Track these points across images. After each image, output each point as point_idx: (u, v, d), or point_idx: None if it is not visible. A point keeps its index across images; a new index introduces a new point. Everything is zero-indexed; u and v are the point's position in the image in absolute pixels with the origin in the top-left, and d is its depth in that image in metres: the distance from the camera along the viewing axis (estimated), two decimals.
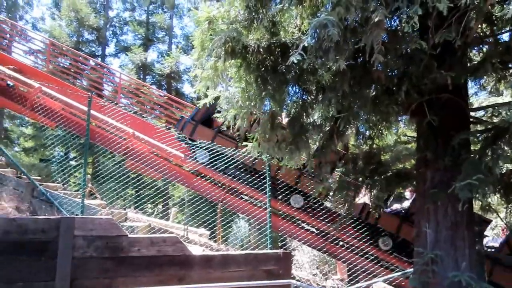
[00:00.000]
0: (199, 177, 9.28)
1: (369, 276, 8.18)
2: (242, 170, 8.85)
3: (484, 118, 5.90)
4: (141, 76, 24.00)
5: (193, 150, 9.03)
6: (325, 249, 9.19)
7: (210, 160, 8.85)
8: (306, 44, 3.45)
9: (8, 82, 10.01)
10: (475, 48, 5.16)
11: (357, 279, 8.59)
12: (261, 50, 4.46)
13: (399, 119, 6.27)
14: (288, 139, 5.32)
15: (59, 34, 22.35)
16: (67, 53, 13.98)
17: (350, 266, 8.94)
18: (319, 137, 5.58)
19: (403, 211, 8.98)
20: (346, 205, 6.64)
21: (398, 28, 4.27)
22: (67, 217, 3.20)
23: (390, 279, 7.60)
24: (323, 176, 5.91)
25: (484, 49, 5.07)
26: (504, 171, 4.65)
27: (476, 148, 4.56)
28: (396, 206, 9.21)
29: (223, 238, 12.94)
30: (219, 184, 9.15)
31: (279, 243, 12.10)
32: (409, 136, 8.09)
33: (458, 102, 4.54)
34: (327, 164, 5.84)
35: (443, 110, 4.53)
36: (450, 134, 4.45)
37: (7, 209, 6.92)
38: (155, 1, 27.40)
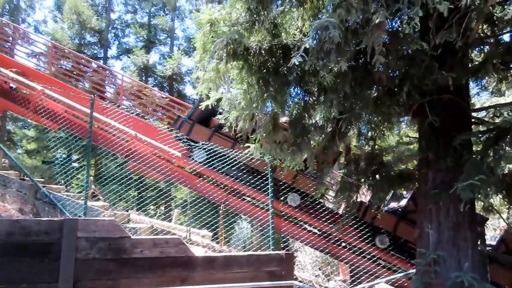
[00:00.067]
0: (201, 178, 9.29)
1: (372, 277, 8.17)
2: (240, 169, 8.85)
3: (486, 119, 5.89)
4: (143, 78, 24.07)
5: (190, 150, 9.07)
6: (327, 250, 9.20)
7: (207, 160, 8.88)
8: (308, 46, 3.46)
9: (11, 85, 10.05)
10: (476, 48, 5.16)
11: (359, 280, 8.57)
12: (262, 52, 4.48)
13: (401, 120, 6.27)
14: (290, 140, 5.34)
15: (61, 36, 22.45)
16: (69, 55, 14.03)
17: (353, 267, 8.94)
18: (321, 138, 5.59)
19: (400, 209, 8.99)
20: (348, 206, 6.64)
21: (399, 29, 4.28)
22: (70, 219, 3.21)
23: (393, 280, 7.59)
24: (324, 176, 5.92)
25: (485, 50, 5.08)
26: (506, 171, 4.64)
27: (478, 149, 4.55)
28: (393, 204, 9.21)
29: (226, 240, 12.94)
30: (219, 184, 9.17)
31: (281, 244, 12.11)
32: (411, 137, 8.09)
33: (459, 103, 4.54)
34: (328, 165, 5.86)
35: (445, 110, 4.54)
36: (452, 134, 4.46)
37: (10, 211, 6.94)
38: (157, 3, 27.48)
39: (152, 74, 24.80)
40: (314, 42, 3.48)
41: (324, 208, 9.13)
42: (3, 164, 10.16)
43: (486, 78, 5.19)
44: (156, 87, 23.30)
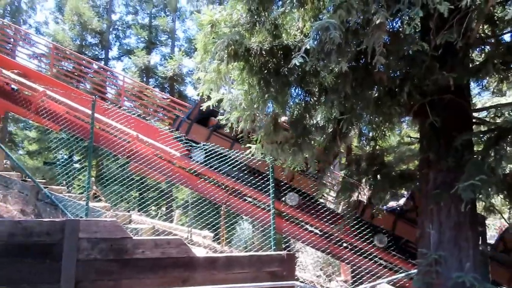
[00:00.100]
0: (202, 179, 9.31)
1: (373, 278, 8.17)
2: (241, 169, 8.86)
3: (487, 119, 5.89)
4: (144, 79, 24.12)
5: (191, 150, 9.09)
6: (328, 250, 9.20)
7: (206, 160, 8.90)
8: (308, 47, 3.47)
9: (13, 86, 10.08)
10: (477, 49, 5.16)
11: (361, 280, 8.57)
12: (263, 52, 4.49)
13: (402, 120, 6.27)
14: (291, 141, 5.34)
15: (63, 38, 22.51)
16: (70, 56, 14.06)
17: (354, 267, 8.95)
18: (322, 138, 5.60)
19: (398, 208, 9.00)
20: (347, 205, 6.64)
21: (400, 29, 4.28)
22: (72, 220, 3.22)
23: (394, 280, 7.59)
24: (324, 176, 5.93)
25: (486, 50, 5.07)
26: (508, 171, 4.63)
27: (480, 149, 4.55)
28: (391, 203, 9.23)
29: (227, 240, 12.95)
30: (218, 184, 9.18)
31: (282, 244, 12.10)
32: (412, 137, 8.08)
33: (460, 103, 4.54)
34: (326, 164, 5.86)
35: (446, 111, 4.53)
36: (453, 135, 4.45)
37: (12, 212, 6.96)
38: (158, 5, 27.52)
39: (153, 75, 24.86)
40: (315, 43, 3.48)
41: (325, 208, 9.14)
42: (5, 165, 10.19)
43: (487, 78, 5.19)
44: (157, 88, 23.34)
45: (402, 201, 9.06)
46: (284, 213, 9.04)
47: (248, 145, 5.70)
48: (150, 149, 9.40)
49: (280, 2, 4.39)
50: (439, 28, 3.70)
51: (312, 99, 5.15)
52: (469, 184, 3.69)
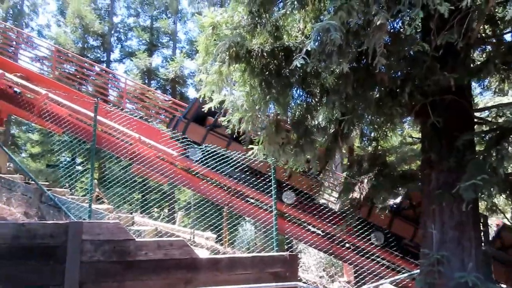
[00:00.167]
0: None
1: (376, 278, 8.16)
2: (240, 170, 8.86)
3: (489, 119, 5.89)
4: (146, 81, 24.17)
5: (185, 148, 9.12)
6: (331, 251, 9.21)
7: (203, 159, 8.93)
8: (309, 48, 3.48)
9: (16, 89, 10.12)
10: (478, 49, 5.16)
11: (363, 281, 8.57)
12: (264, 54, 4.50)
13: (404, 120, 6.27)
14: (292, 142, 5.36)
15: (65, 40, 22.60)
16: (72, 59, 14.11)
17: (357, 268, 8.95)
18: (323, 139, 5.61)
19: (394, 206, 9.00)
20: (352, 206, 6.64)
21: (401, 30, 4.29)
22: (75, 222, 3.25)
23: (397, 281, 7.58)
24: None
25: (487, 50, 5.08)
26: (510, 171, 4.63)
27: (481, 149, 4.55)
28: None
29: (230, 241, 12.95)
30: (218, 183, 9.20)
31: (285, 245, 12.12)
32: (414, 138, 8.09)
33: (462, 103, 4.54)
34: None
35: (447, 111, 4.53)
36: (454, 135, 4.45)
37: (15, 214, 6.98)
38: (159, 7, 27.59)
39: (155, 77, 24.92)
40: (316, 44, 3.50)
41: (326, 208, 9.14)
42: (8, 168, 10.23)
43: (489, 78, 5.19)
44: (159, 90, 23.40)
45: (398, 199, 9.06)
46: (286, 214, 9.04)
47: (250, 146, 5.71)
48: (152, 151, 9.43)
49: (281, 4, 4.40)
50: (439, 28, 3.70)
51: (313, 100, 5.16)
52: (471, 184, 3.69)
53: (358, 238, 8.83)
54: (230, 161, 8.53)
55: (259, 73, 4.61)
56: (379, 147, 6.05)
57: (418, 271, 5.41)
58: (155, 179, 9.72)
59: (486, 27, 4.78)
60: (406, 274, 7.51)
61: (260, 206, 9.15)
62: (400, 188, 6.10)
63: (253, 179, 8.95)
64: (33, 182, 8.27)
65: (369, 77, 4.22)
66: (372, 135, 5.83)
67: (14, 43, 12.84)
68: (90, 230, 3.12)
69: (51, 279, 3.00)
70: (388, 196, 5.74)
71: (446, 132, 4.59)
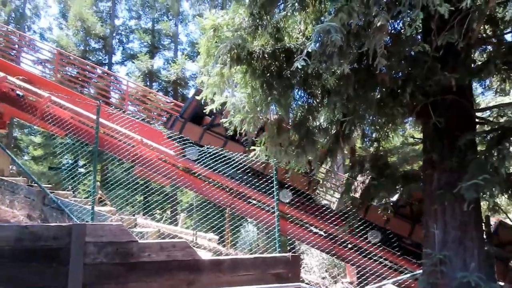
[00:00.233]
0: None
1: (379, 279, 8.16)
2: (240, 170, 8.87)
3: (490, 118, 5.89)
4: (148, 83, 24.21)
5: (182, 148, 9.15)
6: (333, 251, 9.20)
7: (200, 157, 8.95)
8: (310, 50, 3.49)
9: (18, 92, 10.17)
10: (479, 49, 5.16)
11: (366, 281, 8.56)
12: (266, 56, 4.52)
13: (405, 121, 6.28)
14: (294, 143, 5.37)
15: (66, 43, 22.67)
16: (74, 62, 14.15)
17: (360, 268, 8.94)
18: (325, 140, 5.61)
19: (391, 204, 8.98)
20: (354, 206, 6.65)
21: (401, 31, 4.30)
22: (78, 224, 3.26)
23: (400, 281, 7.57)
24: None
25: (488, 50, 5.08)
26: (511, 171, 4.63)
27: (483, 149, 4.55)
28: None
29: (232, 243, 12.97)
30: (218, 184, 9.21)
31: (287, 246, 12.11)
32: (416, 138, 8.09)
33: (463, 103, 4.55)
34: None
35: (448, 111, 4.54)
36: (456, 135, 4.46)
37: (18, 217, 7.01)
38: (160, 9, 27.65)
39: (157, 79, 24.95)
40: (317, 45, 3.51)
41: (328, 209, 9.14)
42: (11, 171, 10.27)
43: (490, 78, 5.20)
44: (161, 92, 23.42)
45: (395, 197, 9.05)
46: (289, 215, 9.04)
47: (252, 147, 5.73)
48: (154, 153, 9.45)
49: (282, 6, 4.42)
50: (440, 29, 3.71)
51: (314, 101, 5.17)
52: (472, 183, 3.70)
53: (360, 239, 8.81)
54: (230, 161, 8.55)
55: (261, 74, 4.63)
56: (381, 147, 6.05)
57: (421, 271, 5.41)
58: (157, 181, 9.75)
59: (486, 27, 4.78)
60: (408, 275, 7.50)
61: (262, 207, 9.15)
62: (402, 189, 6.08)
63: (253, 180, 8.95)
64: (36, 184, 8.30)
65: (370, 78, 4.23)
66: (374, 135, 5.83)
67: (17, 46, 12.90)
68: (93, 232, 3.13)
69: (55, 281, 3.01)
70: (388, 196, 5.73)
71: (447, 132, 4.60)
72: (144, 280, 3.18)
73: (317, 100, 5.15)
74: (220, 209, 11.06)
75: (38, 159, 23.46)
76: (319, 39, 3.41)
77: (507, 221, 9.02)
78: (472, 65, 4.65)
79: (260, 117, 5.18)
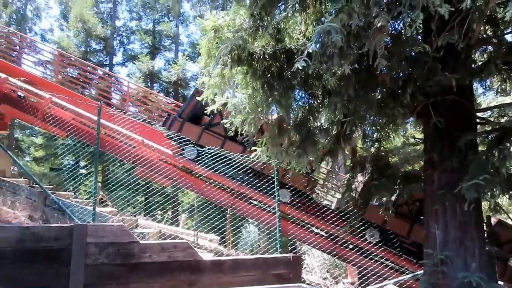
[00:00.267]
0: (207, 183, 9.35)
1: (380, 279, 8.15)
2: (236, 168, 8.88)
3: (491, 119, 5.89)
4: (149, 84, 24.24)
5: (181, 147, 9.17)
6: (334, 252, 9.20)
7: (200, 157, 8.96)
8: (311, 50, 3.50)
9: (19, 94, 10.19)
10: (480, 49, 5.16)
11: (367, 282, 8.56)
12: (266, 56, 4.53)
13: (406, 121, 6.28)
14: (295, 143, 5.37)
15: (67, 44, 22.70)
16: (75, 63, 14.19)
17: (360, 269, 8.94)
18: (326, 140, 5.62)
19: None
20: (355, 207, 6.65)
21: (402, 31, 4.30)
22: (80, 225, 3.26)
23: (401, 282, 7.57)
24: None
25: (489, 50, 5.08)
26: None
27: (484, 149, 4.55)
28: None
29: (233, 243, 12.97)
30: (219, 185, 9.22)
31: (289, 247, 12.12)
32: (417, 138, 8.10)
33: (463, 103, 4.55)
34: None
35: (449, 111, 4.54)
36: (457, 135, 4.46)
37: (20, 218, 7.03)
38: (161, 10, 27.68)
39: (158, 80, 24.98)
40: (317, 46, 3.51)
41: (329, 209, 9.14)
42: (12, 172, 10.29)
43: (490, 78, 5.19)
44: (162, 93, 23.43)
45: (393, 196, 9.03)
46: (290, 216, 9.05)
47: (253, 148, 5.74)
48: (155, 153, 9.46)
49: (283, 7, 4.43)
50: (440, 29, 3.71)
51: (315, 102, 5.18)
52: (473, 183, 3.70)
53: (361, 239, 8.81)
54: (230, 161, 8.56)
55: (261, 75, 4.63)
56: (382, 148, 6.05)
57: (422, 271, 5.41)
58: (158, 181, 9.76)
59: (486, 27, 4.79)
60: (410, 275, 7.51)
61: (263, 208, 9.15)
62: (403, 189, 6.07)
63: (253, 180, 8.96)
64: (37, 185, 8.31)
65: (370, 78, 4.24)
66: (375, 136, 5.83)
67: (18, 47, 12.93)
68: (94, 233, 3.13)
69: (56, 282, 3.01)
70: (390, 196, 5.73)
71: (448, 132, 4.60)
72: (145, 281, 3.19)
73: (318, 101, 5.15)
74: (221, 209, 11.07)
75: (39, 160, 23.49)
76: (320, 40, 3.42)
77: (508, 221, 9.01)
78: (473, 65, 4.65)
79: (261, 118, 5.19)
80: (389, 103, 4.52)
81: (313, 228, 9.36)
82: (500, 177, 3.76)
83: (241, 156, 8.35)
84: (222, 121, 8.84)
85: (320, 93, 5.05)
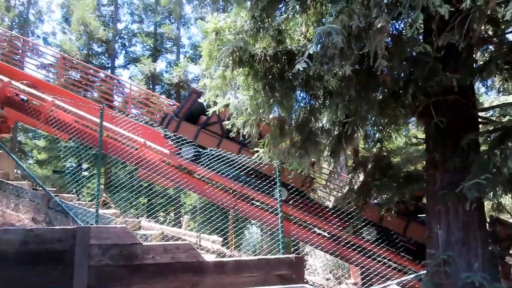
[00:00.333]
0: (209, 184, 9.37)
1: (383, 279, 8.14)
2: (235, 167, 8.89)
3: (493, 118, 5.88)
4: (151, 86, 24.31)
5: (178, 147, 9.20)
6: (337, 252, 9.20)
7: (197, 157, 8.99)
8: (312, 52, 3.51)
9: (22, 97, 10.23)
10: (481, 48, 5.16)
11: (370, 282, 8.55)
12: (267, 58, 4.55)
13: (408, 121, 6.28)
14: (297, 144, 5.38)
15: (70, 47, 22.79)
16: (77, 66, 14.23)
17: (363, 269, 8.93)
18: (328, 141, 5.63)
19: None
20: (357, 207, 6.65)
21: (403, 32, 4.31)
22: (83, 227, 3.28)
23: (404, 282, 7.56)
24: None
25: (490, 50, 5.07)
26: None
27: (486, 149, 4.55)
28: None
29: (236, 245, 12.98)
30: (221, 186, 9.23)
31: (291, 248, 12.13)
32: (419, 138, 8.10)
33: (465, 103, 4.54)
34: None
35: (450, 111, 4.53)
36: (458, 135, 4.45)
37: (24, 220, 7.05)
38: (163, 12, 27.76)
39: (159, 82, 25.05)
40: (318, 47, 3.52)
41: (329, 209, 9.14)
42: (16, 175, 10.32)
43: (492, 77, 5.19)
44: (164, 95, 23.49)
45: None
46: (292, 216, 9.05)
47: (255, 149, 5.76)
48: (158, 155, 9.48)
49: (283, 8, 4.44)
50: (440, 29, 3.72)
51: (317, 103, 5.19)
52: (474, 183, 3.69)
53: (364, 240, 8.81)
54: (230, 162, 8.57)
55: (263, 77, 4.65)
56: (384, 148, 6.05)
57: (425, 272, 5.40)
58: (160, 183, 9.78)
59: (487, 27, 4.78)
60: (412, 275, 7.49)
61: (265, 208, 9.16)
62: (405, 189, 6.07)
63: (252, 179, 8.97)
64: (40, 188, 8.34)
65: (371, 79, 4.24)
66: (377, 136, 5.83)
67: (20, 51, 12.99)
68: (97, 234, 3.15)
69: (60, 283, 3.03)
70: (393, 196, 5.72)
71: (450, 132, 4.60)
72: (148, 282, 3.20)
73: (319, 102, 5.16)
74: (224, 211, 11.08)
75: (42, 163, 23.55)
76: (320, 41, 3.43)
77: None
78: (474, 65, 4.65)
79: (263, 119, 5.21)
80: (390, 104, 4.52)
81: (315, 229, 9.36)
82: (502, 177, 3.75)
83: (239, 155, 8.38)
84: (219, 121, 8.93)
85: (321, 94, 5.06)
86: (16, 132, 22.69)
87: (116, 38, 26.65)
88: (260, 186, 8.57)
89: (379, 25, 3.20)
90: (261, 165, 8.32)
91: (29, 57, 12.86)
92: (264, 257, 3.78)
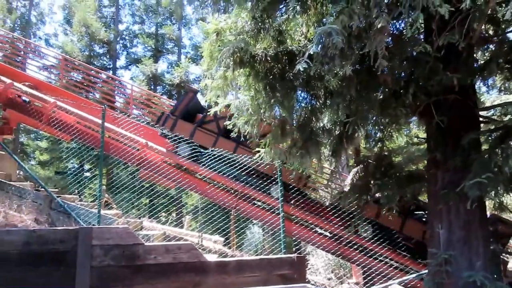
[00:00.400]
0: (211, 184, 9.38)
1: (384, 279, 8.14)
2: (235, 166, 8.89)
3: (494, 117, 5.87)
4: (152, 87, 24.34)
5: (175, 145, 9.22)
6: (338, 252, 9.19)
7: (192, 154, 9.01)
8: (312, 52, 3.52)
9: (24, 98, 10.27)
10: (482, 48, 5.16)
11: (372, 282, 8.54)
12: (268, 58, 4.56)
13: (410, 121, 6.28)
14: (298, 144, 5.39)
15: (71, 49, 22.86)
16: (79, 67, 14.26)
17: (365, 269, 8.92)
18: (329, 141, 5.64)
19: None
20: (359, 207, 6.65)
21: (403, 31, 4.31)
22: (85, 227, 3.29)
23: (405, 281, 7.56)
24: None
25: (490, 49, 5.07)
26: None
27: (487, 148, 4.55)
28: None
29: (238, 245, 12.99)
30: (223, 186, 9.24)
31: (293, 248, 12.13)
32: (420, 138, 8.09)
33: (466, 103, 4.55)
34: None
35: (451, 111, 4.54)
36: (459, 134, 4.46)
37: (26, 221, 7.07)
38: (164, 13, 27.80)
39: (161, 82, 25.09)
40: (319, 48, 3.53)
41: (331, 209, 9.13)
42: (18, 176, 10.36)
43: (493, 77, 5.19)
44: (165, 95, 23.52)
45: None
46: (293, 216, 9.05)
47: (257, 149, 5.77)
48: (159, 156, 9.50)
49: (284, 9, 4.45)
50: (441, 29, 3.72)
51: (318, 103, 5.20)
52: (475, 182, 3.70)
53: (365, 239, 8.80)
54: (230, 161, 8.59)
55: (264, 77, 4.66)
56: (385, 147, 6.05)
57: (426, 271, 5.40)
58: (162, 183, 9.80)
59: (488, 26, 4.78)
60: (414, 275, 7.48)
61: (267, 208, 9.16)
62: (406, 189, 6.07)
63: (253, 179, 8.97)
64: (43, 189, 8.37)
65: (372, 78, 4.25)
66: (378, 136, 5.84)
67: (22, 52, 13.03)
68: (99, 235, 3.16)
69: (62, 284, 3.04)
70: (395, 196, 5.72)
71: (450, 132, 4.60)
72: (150, 282, 3.21)
73: (320, 102, 5.17)
74: (225, 211, 11.09)
75: (44, 164, 23.62)
76: (321, 41, 3.43)
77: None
78: (474, 64, 4.65)
79: (264, 119, 5.22)
80: (391, 103, 4.53)
81: (317, 229, 9.36)
82: (503, 176, 3.75)
83: (238, 155, 8.40)
84: (215, 119, 8.93)
85: (322, 94, 5.07)
86: (18, 133, 22.75)
87: (118, 39, 26.70)
88: (261, 186, 8.57)
89: (379, 25, 3.20)
90: (261, 165, 8.36)
91: (31, 59, 12.92)
92: (266, 257, 3.79)
